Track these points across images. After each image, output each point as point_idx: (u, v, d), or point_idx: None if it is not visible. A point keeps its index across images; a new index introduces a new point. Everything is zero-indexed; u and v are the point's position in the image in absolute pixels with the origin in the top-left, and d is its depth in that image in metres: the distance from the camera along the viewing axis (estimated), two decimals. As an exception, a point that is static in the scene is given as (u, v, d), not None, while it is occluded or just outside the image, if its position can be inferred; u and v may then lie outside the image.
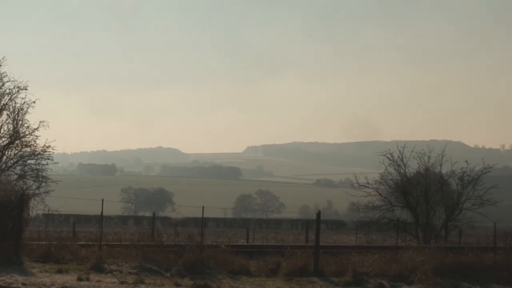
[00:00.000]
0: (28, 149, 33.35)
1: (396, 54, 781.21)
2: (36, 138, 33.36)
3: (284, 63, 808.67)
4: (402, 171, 38.62)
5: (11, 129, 33.04)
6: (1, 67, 33.32)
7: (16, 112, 33.02)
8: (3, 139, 33.06)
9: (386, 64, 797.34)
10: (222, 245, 22.56)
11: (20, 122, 33.11)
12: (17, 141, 33.14)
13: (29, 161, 33.56)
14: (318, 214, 22.49)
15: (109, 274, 19.04)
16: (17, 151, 33.29)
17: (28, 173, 33.20)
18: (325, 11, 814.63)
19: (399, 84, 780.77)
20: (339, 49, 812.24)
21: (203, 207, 26.01)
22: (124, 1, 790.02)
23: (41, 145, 33.46)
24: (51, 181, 33.19)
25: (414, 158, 38.77)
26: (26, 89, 33.05)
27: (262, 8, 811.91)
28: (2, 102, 33.10)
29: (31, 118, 33.80)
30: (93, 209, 72.56)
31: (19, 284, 16.99)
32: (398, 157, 38.28)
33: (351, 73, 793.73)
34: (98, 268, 19.56)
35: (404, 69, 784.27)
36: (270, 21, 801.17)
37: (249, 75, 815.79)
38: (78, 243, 23.55)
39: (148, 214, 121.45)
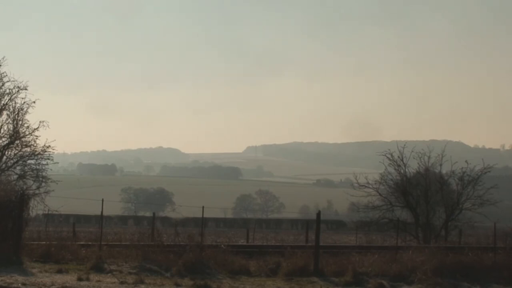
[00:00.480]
0: (28, 149, 33.38)
1: (396, 54, 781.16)
2: (36, 138, 33.41)
3: (284, 63, 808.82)
4: (402, 171, 38.65)
5: (11, 129, 33.07)
6: (1, 67, 33.38)
7: (16, 112, 33.05)
8: (3, 139, 33.10)
9: (386, 64, 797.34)
10: (222, 245, 22.56)
11: (20, 122, 33.15)
12: (17, 141, 33.16)
13: (29, 161, 33.58)
14: (318, 214, 22.49)
15: (109, 274, 19.04)
16: (17, 151, 33.31)
17: (28, 173, 33.21)
18: (325, 11, 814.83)
19: (399, 84, 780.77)
20: (339, 49, 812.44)
21: (203, 207, 26.01)
22: (124, 1, 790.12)
23: (41, 145, 33.51)
24: (51, 181, 33.20)
25: (414, 158, 38.81)
26: (26, 89, 33.11)
27: (262, 8, 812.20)
28: (2, 102, 33.13)
29: (31, 118, 33.84)
30: (93, 209, 72.60)
31: (19, 284, 16.99)
32: (398, 157, 38.32)
33: (351, 73, 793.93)
34: (98, 268, 19.57)
35: (404, 69, 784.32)
36: (270, 21, 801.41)
37: (249, 75, 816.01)
38: (78, 243, 23.55)
39: (148, 214, 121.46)
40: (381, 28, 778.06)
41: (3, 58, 33.36)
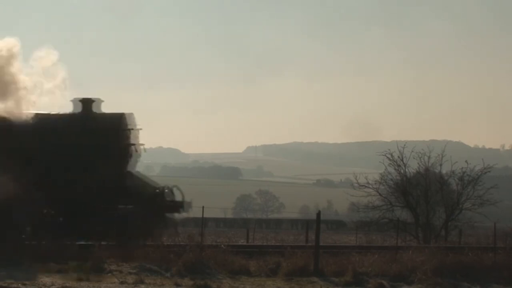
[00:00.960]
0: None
1: (396, 54, 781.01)
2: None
3: (284, 63, 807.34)
4: (402, 171, 38.60)
5: (11, 129, 32.98)
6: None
7: (16, 112, 32.99)
8: (3, 139, 33.01)
9: (386, 64, 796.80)
10: (222, 245, 22.58)
11: (20, 122, 33.06)
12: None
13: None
14: (318, 214, 22.50)
15: (109, 274, 19.06)
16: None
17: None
18: (325, 11, 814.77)
19: (399, 84, 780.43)
20: (339, 49, 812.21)
21: (203, 207, 26.02)
22: (124, 1, 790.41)
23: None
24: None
25: (414, 158, 38.75)
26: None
27: (262, 8, 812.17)
28: (2, 102, 33.07)
29: (31, 119, 33.72)
30: (93, 209, 72.41)
31: (19, 284, 17.02)
32: (398, 157, 38.26)
33: (351, 73, 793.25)
34: (98, 268, 19.56)
35: (404, 69, 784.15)
36: (270, 21, 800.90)
37: (249, 75, 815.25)
38: (78, 243, 23.56)
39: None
40: (382, 28, 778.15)
41: (3, 58, 33.32)
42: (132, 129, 26.25)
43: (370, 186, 38.81)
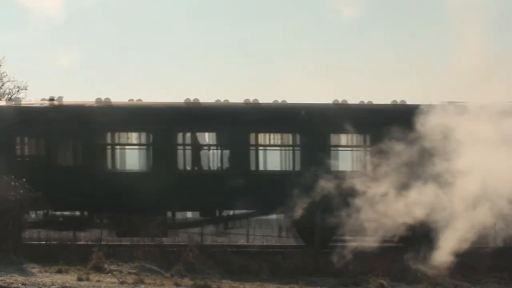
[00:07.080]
0: (28, 149, 33.26)
1: (396, 54, 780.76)
2: (37, 138, 33.28)
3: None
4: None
5: (11, 129, 32.97)
6: (1, 67, 33.44)
7: (16, 112, 32.97)
8: (3, 139, 33.00)
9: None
10: (222, 245, 22.60)
11: (20, 122, 33.06)
12: (17, 141, 33.07)
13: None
14: (318, 213, 22.45)
15: (109, 274, 19.05)
16: (17, 151, 33.19)
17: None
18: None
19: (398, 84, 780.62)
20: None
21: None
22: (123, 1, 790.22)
23: (41, 145, 33.36)
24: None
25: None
26: (26, 89, 33.17)
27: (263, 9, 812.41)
28: (2, 102, 33.12)
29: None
30: (93, 209, 72.34)
31: (19, 284, 17.03)
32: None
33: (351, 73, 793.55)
34: (98, 268, 19.55)
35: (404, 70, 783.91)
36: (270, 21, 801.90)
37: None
38: (78, 243, 23.56)
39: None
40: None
41: (3, 58, 33.44)
42: None
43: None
